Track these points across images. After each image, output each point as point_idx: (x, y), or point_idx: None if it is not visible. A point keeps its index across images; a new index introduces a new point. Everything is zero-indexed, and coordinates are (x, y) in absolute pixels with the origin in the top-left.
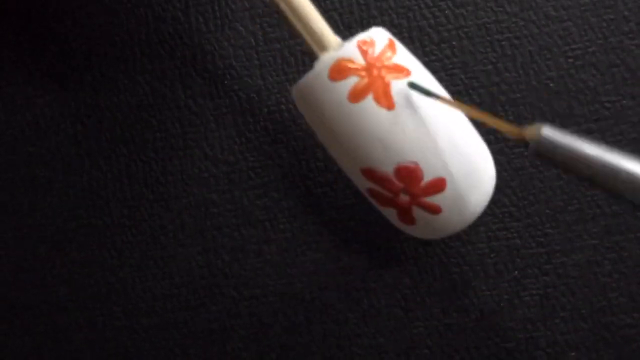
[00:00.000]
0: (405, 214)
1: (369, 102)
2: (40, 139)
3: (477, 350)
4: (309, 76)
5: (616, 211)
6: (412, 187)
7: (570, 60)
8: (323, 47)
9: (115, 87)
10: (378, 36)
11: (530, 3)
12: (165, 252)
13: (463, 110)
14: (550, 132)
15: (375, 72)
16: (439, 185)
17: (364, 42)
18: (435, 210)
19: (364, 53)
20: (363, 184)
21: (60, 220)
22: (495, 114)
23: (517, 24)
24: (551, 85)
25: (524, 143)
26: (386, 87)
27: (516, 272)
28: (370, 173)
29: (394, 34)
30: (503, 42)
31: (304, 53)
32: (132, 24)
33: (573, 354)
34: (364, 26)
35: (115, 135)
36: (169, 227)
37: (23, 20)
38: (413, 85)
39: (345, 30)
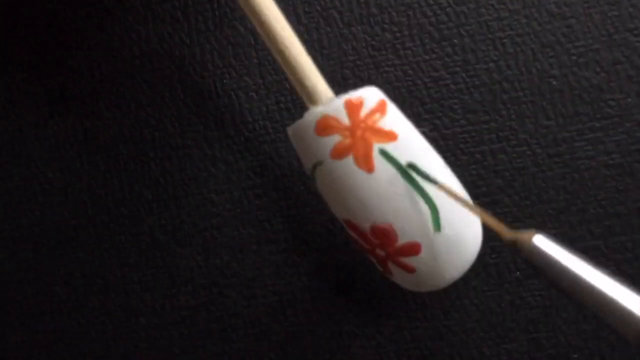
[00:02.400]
0: (383, 266)
1: (349, 162)
2: (39, 138)
3: (478, 351)
4: (299, 124)
5: (620, 211)
6: (386, 246)
7: (574, 57)
8: (313, 100)
9: (113, 87)
10: (369, 96)
11: (532, 0)
12: (164, 252)
13: (458, 201)
14: (542, 243)
15: (359, 133)
16: (413, 249)
17: (353, 102)
18: (409, 270)
19: (350, 113)
20: (346, 229)
21: (59, 220)
22: (493, 214)
23: (519, 22)
24: (554, 83)
25: (516, 249)
26: (368, 150)
27: (518, 272)
28: (349, 224)
29: (394, 32)
30: (505, 40)
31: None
32: (131, 22)
33: (576, 355)
34: (364, 24)
35: (114, 135)
36: (168, 227)
37: (23, 20)
38: (412, 167)
39: (345, 28)
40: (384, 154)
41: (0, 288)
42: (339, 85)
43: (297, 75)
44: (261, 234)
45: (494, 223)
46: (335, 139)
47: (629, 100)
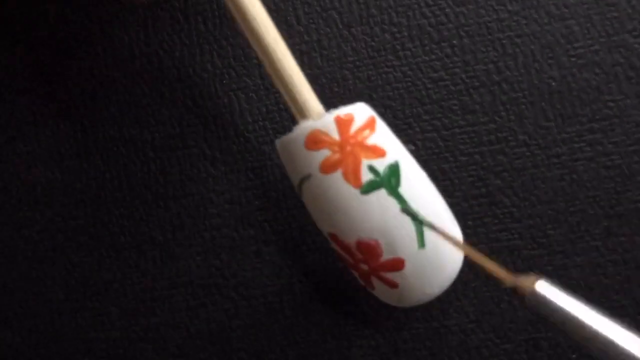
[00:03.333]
0: (365, 280)
1: (337, 176)
2: (39, 139)
3: (477, 351)
4: (289, 137)
5: (619, 212)
6: (370, 261)
7: (573, 59)
8: (303, 115)
9: (113, 87)
10: (359, 112)
11: (532, 1)
12: (163, 252)
13: (455, 245)
14: (544, 289)
15: (348, 148)
16: (397, 264)
17: (342, 118)
18: (392, 285)
19: (340, 128)
20: (330, 243)
21: (58, 220)
22: (492, 259)
23: (519, 23)
24: (553, 84)
25: (518, 294)
26: (357, 166)
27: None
28: (334, 238)
29: (394, 33)
30: (504, 41)
31: (303, 52)
32: (131, 23)
33: (574, 355)
34: (363, 25)
35: (114, 135)
36: (167, 228)
37: (23, 21)
38: (406, 212)
39: (345, 29)
40: (372, 170)
41: (0, 288)
42: (339, 86)
43: (288, 90)
44: (261, 234)
45: (493, 267)
46: (324, 154)
47: (628, 101)
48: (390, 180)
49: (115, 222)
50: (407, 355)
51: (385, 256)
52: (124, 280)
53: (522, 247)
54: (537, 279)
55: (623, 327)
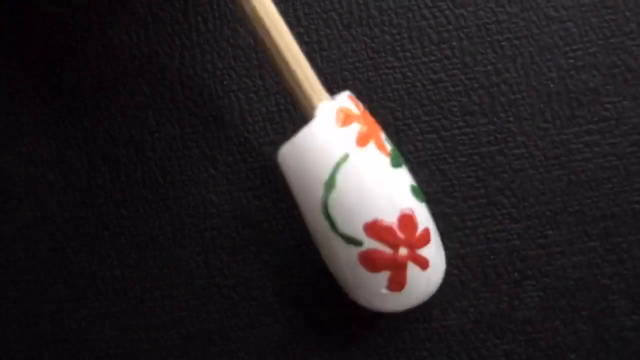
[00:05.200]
0: (398, 274)
1: (372, 148)
2: (39, 139)
3: (476, 352)
4: (317, 122)
5: (616, 213)
6: (410, 237)
7: (571, 61)
8: (320, 98)
9: (114, 88)
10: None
11: (530, 3)
12: (164, 252)
13: None
14: None
15: (369, 119)
16: (427, 235)
17: (352, 96)
18: (424, 265)
19: (355, 105)
20: (353, 251)
21: (59, 220)
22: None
23: (518, 25)
24: (552, 86)
25: None
26: (380, 135)
27: (516, 273)
28: (374, 227)
29: (394, 34)
30: (503, 43)
31: (303, 53)
32: (131, 24)
33: (573, 356)
34: (363, 26)
35: (114, 135)
36: (167, 228)
37: (23, 21)
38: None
39: (344, 30)
40: (387, 140)
41: (0, 288)
42: (339, 87)
43: (303, 76)
44: (261, 235)
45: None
46: (356, 128)
47: (625, 103)
48: (398, 151)
49: (115, 222)
50: (407, 356)
51: (420, 227)
52: (124, 280)
53: (520, 247)
54: None
55: None
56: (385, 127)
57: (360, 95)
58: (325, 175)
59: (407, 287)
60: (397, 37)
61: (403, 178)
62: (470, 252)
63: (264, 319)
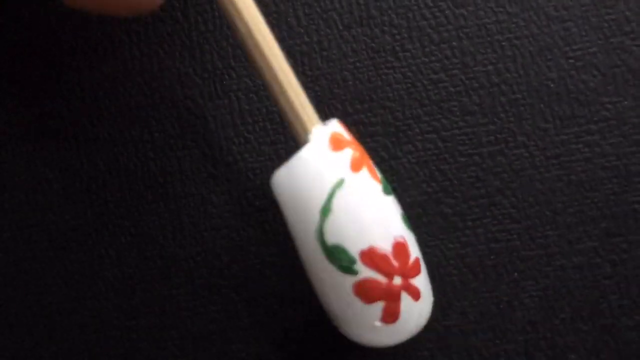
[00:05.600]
0: (393, 305)
1: (365, 174)
2: (39, 139)
3: (476, 352)
4: (307, 150)
5: (617, 213)
6: (403, 266)
7: (571, 61)
8: (313, 122)
9: (114, 88)
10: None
11: (531, 3)
12: (163, 252)
13: None
14: None
15: (359, 147)
16: (418, 265)
17: (341, 123)
18: (416, 295)
19: (346, 130)
20: (348, 281)
21: (58, 220)
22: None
23: (518, 25)
24: (552, 86)
25: None
26: (370, 162)
27: (516, 273)
28: (370, 254)
29: (394, 34)
30: (503, 43)
31: (303, 53)
32: (131, 23)
33: (573, 356)
34: (363, 26)
35: (114, 135)
36: (167, 228)
37: (22, 21)
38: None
39: (344, 30)
40: (376, 168)
41: (0, 288)
42: (339, 87)
43: (297, 101)
44: (261, 235)
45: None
46: (349, 152)
47: (626, 103)
48: (386, 180)
49: (115, 222)
50: (407, 356)
51: (412, 256)
52: (124, 280)
53: (520, 247)
54: None
55: None
56: (385, 127)
57: (360, 95)
58: (321, 200)
59: (400, 319)
60: (397, 37)
61: (394, 205)
62: (470, 252)
63: (264, 319)
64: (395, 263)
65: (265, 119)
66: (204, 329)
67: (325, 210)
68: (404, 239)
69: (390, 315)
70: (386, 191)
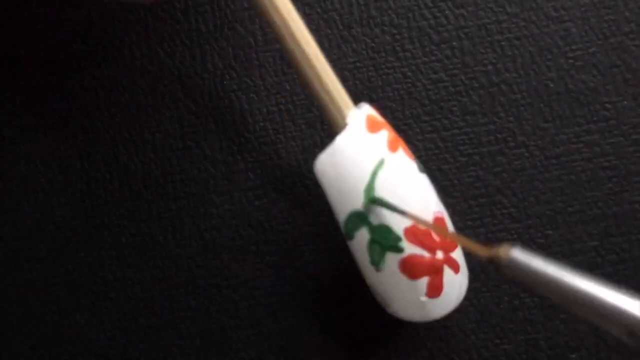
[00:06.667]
0: (437, 279)
1: (401, 154)
2: (39, 139)
3: (477, 352)
4: (346, 133)
5: (616, 213)
6: (444, 240)
7: (571, 61)
8: (348, 106)
9: (114, 88)
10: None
11: (530, 4)
12: (163, 252)
13: (429, 227)
14: (519, 255)
15: (391, 128)
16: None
17: (373, 105)
18: (456, 268)
19: (377, 113)
20: (394, 259)
21: (59, 220)
22: (465, 237)
23: (518, 25)
24: (551, 86)
25: (495, 263)
26: (404, 143)
27: None
28: (413, 231)
29: (394, 34)
30: (503, 43)
31: None
32: (131, 24)
33: (573, 356)
34: (364, 26)
35: (114, 135)
36: (167, 228)
37: (23, 21)
38: (376, 201)
39: (345, 30)
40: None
41: (0, 288)
42: None
43: (332, 87)
44: (261, 234)
45: (472, 245)
46: (384, 133)
47: (625, 103)
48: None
49: (115, 222)
50: (407, 356)
51: (449, 230)
52: (124, 280)
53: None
54: (511, 247)
55: (598, 282)
56: None
57: (361, 95)
58: (364, 182)
59: (444, 292)
60: (397, 37)
61: (429, 183)
62: (469, 252)
63: (264, 319)
64: (436, 238)
65: (265, 119)
66: (204, 329)
67: (369, 191)
68: (442, 214)
69: (435, 289)
70: (421, 169)
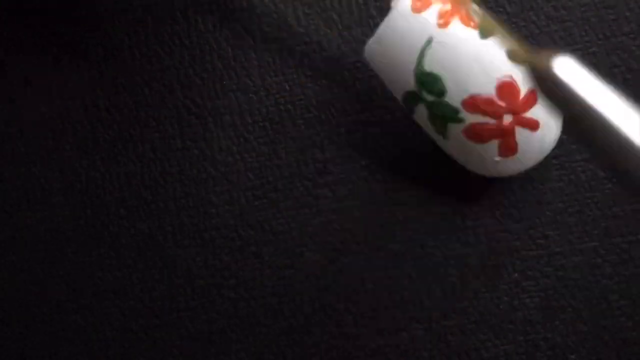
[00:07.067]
0: (508, 140)
1: (457, 24)
2: (39, 139)
3: (476, 352)
4: (392, 16)
5: (616, 213)
6: (513, 103)
7: None
8: None
9: (114, 88)
10: None
11: (530, 3)
12: (163, 252)
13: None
14: (564, 63)
15: None
16: (532, 97)
17: None
18: (534, 126)
19: None
20: (457, 128)
21: (58, 220)
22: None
23: (518, 25)
24: None
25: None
26: (466, 8)
27: (516, 274)
28: (473, 102)
29: None
30: None
31: (303, 53)
32: (131, 24)
33: (573, 356)
34: (364, 26)
35: (113, 136)
36: (167, 228)
37: (23, 21)
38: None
39: (345, 30)
40: (475, 13)
41: (0, 288)
42: (339, 86)
43: None
44: (260, 235)
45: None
46: (436, 9)
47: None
48: (491, 19)
49: (115, 222)
50: (407, 356)
51: (522, 91)
52: (124, 280)
53: (521, 247)
54: (555, 53)
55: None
56: (385, 126)
57: (361, 95)
58: (412, 63)
59: (519, 151)
60: None
61: (495, 47)
62: (470, 252)
63: (263, 320)
64: (501, 103)
65: (265, 119)
66: (202, 330)
67: (419, 70)
68: (510, 77)
69: (508, 150)
70: (484, 34)
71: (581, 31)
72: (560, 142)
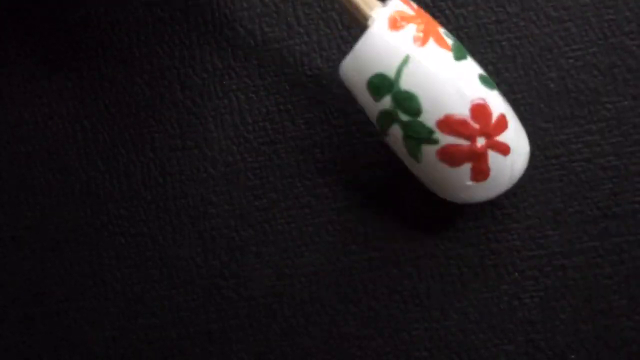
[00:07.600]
0: (481, 164)
1: (432, 45)
2: (38, 139)
3: (476, 352)
4: (371, 32)
5: (616, 213)
6: (486, 126)
7: (571, 60)
8: (371, 8)
9: (113, 88)
10: None
11: (530, 3)
12: (163, 252)
13: None
14: None
15: (425, 19)
16: (503, 121)
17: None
18: (505, 150)
19: (409, 6)
20: (431, 150)
21: (58, 220)
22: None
23: (518, 25)
24: (551, 85)
25: None
26: (438, 32)
27: (516, 274)
28: (447, 122)
29: None
30: (503, 43)
31: (303, 53)
32: (131, 24)
33: (573, 356)
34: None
35: (113, 136)
36: (167, 228)
37: (23, 21)
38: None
39: (344, 30)
40: (447, 35)
41: (0, 288)
42: (338, 87)
43: None
44: (260, 235)
45: None
46: (412, 28)
47: (625, 103)
48: (460, 43)
49: (115, 222)
50: (406, 357)
51: (494, 114)
52: (124, 280)
53: (521, 247)
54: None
55: None
56: None
57: None
58: (392, 74)
59: (491, 175)
60: None
61: (469, 69)
62: (470, 252)
63: (263, 320)
64: (475, 125)
65: (265, 119)
66: (202, 330)
67: (395, 92)
68: (483, 100)
69: (480, 174)
70: (458, 56)
71: (581, 31)
72: (560, 142)
